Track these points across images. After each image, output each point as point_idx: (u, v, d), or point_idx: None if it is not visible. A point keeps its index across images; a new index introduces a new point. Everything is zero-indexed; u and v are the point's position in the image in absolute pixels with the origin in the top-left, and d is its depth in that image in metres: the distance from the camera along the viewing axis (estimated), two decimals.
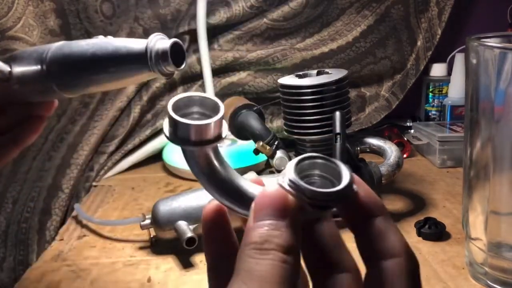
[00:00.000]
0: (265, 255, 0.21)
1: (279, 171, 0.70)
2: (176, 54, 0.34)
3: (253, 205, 0.23)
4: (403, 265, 0.23)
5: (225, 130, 0.26)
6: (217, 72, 0.97)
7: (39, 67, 0.38)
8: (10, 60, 0.40)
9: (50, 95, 0.41)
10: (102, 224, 0.69)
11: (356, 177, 0.25)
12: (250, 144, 0.75)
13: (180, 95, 0.26)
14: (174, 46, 0.34)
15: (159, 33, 0.34)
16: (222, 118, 0.26)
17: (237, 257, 0.22)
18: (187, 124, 0.24)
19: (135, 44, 0.34)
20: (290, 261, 0.22)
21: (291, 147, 0.74)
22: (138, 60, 0.34)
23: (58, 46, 0.38)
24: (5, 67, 0.40)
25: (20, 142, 0.45)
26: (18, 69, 0.40)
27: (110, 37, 0.37)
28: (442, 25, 1.01)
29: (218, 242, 0.28)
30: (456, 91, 1.01)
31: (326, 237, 0.26)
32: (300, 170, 0.24)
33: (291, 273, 0.21)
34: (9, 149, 0.45)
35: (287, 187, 0.23)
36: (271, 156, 0.71)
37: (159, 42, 0.34)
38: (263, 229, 0.22)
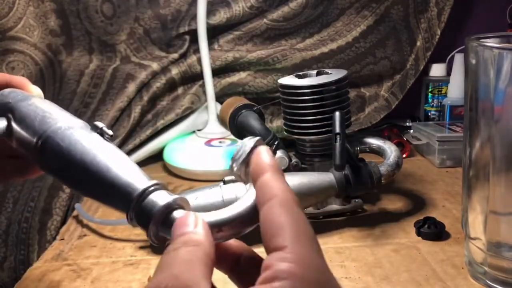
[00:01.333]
0: (178, 250, 0.26)
1: None
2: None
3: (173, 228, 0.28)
4: (279, 202, 0.27)
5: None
6: (217, 72, 0.97)
7: (34, 140, 0.35)
8: (12, 111, 0.37)
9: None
10: (102, 224, 0.70)
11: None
12: None
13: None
14: None
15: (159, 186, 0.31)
16: None
17: None
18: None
19: (134, 184, 0.31)
20: (200, 249, 0.26)
21: (291, 147, 0.75)
22: (123, 203, 0.31)
23: (61, 132, 0.34)
24: (2, 126, 0.37)
25: (23, 173, 0.45)
26: (16, 128, 0.36)
27: (118, 154, 0.33)
28: (441, 25, 1.01)
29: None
30: (455, 91, 1.02)
31: None
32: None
33: (202, 257, 0.26)
34: (11, 173, 0.46)
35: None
36: None
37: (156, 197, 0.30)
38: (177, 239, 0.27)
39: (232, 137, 0.82)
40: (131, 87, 0.90)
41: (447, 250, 0.59)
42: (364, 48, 1.00)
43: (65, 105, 0.87)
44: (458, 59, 1.01)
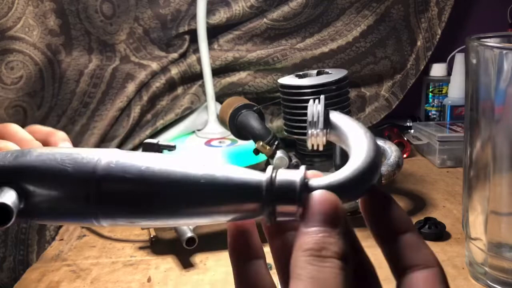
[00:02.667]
0: (325, 263, 0.22)
1: None
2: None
3: (308, 208, 0.24)
4: (439, 275, 0.24)
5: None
6: (217, 72, 0.97)
7: (81, 194, 0.26)
8: (16, 173, 0.27)
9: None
10: None
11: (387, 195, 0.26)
12: (250, 144, 0.75)
13: None
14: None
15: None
16: None
17: (292, 261, 0.22)
18: None
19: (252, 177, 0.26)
20: (347, 269, 0.22)
21: (291, 147, 0.74)
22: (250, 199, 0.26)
23: (116, 165, 0.26)
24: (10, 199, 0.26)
25: None
26: (37, 192, 0.27)
27: (198, 161, 0.27)
28: (442, 25, 1.01)
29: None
30: (456, 91, 1.01)
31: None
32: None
33: (349, 280, 0.22)
34: None
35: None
36: (271, 156, 0.71)
37: None
38: (318, 236, 0.23)
39: (232, 137, 0.82)
40: (131, 87, 0.90)
41: (447, 250, 0.59)
42: (365, 48, 1.00)
43: (65, 105, 0.87)
44: (459, 59, 1.00)
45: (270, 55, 0.95)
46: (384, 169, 0.65)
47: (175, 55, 0.95)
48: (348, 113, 0.71)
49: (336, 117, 0.32)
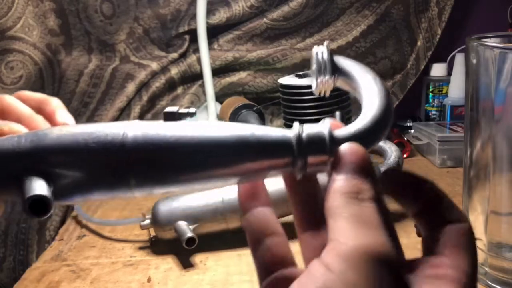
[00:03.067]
0: (364, 203, 0.23)
1: None
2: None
3: (342, 158, 0.25)
4: (471, 230, 0.26)
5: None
6: (217, 72, 0.97)
7: (112, 171, 0.26)
8: (40, 158, 0.26)
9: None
10: (102, 224, 0.69)
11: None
12: None
13: None
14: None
15: None
16: None
17: (329, 204, 0.24)
18: None
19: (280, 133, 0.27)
20: (383, 211, 0.24)
21: None
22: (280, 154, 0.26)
23: (148, 128, 0.27)
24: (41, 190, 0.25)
25: None
26: (65, 177, 0.26)
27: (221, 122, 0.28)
28: (442, 25, 1.01)
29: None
30: (456, 91, 1.01)
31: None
32: None
33: (388, 222, 0.24)
34: None
35: None
36: None
37: None
38: (353, 181, 0.24)
39: None
40: (131, 87, 0.90)
41: None
42: (365, 48, 1.00)
43: (64, 105, 0.87)
44: (459, 58, 1.00)
45: (270, 55, 0.95)
46: (384, 169, 0.65)
47: (175, 55, 0.95)
48: (349, 113, 0.71)
49: (341, 62, 0.33)
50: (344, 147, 0.25)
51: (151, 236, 0.63)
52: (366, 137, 0.26)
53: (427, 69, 1.07)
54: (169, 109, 0.30)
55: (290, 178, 0.29)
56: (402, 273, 0.23)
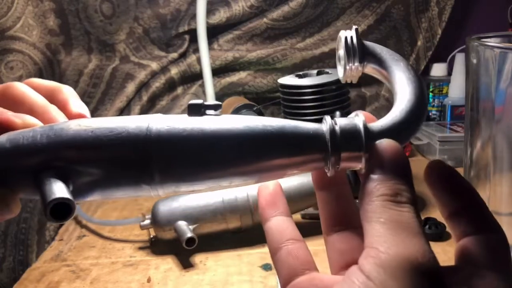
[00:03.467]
0: (402, 207, 0.22)
1: None
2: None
3: (379, 157, 0.24)
4: (508, 243, 0.25)
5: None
6: (217, 72, 0.97)
7: (135, 168, 0.25)
8: (55, 157, 0.25)
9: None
10: (101, 224, 0.69)
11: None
12: None
13: None
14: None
15: None
16: None
17: (364, 206, 0.23)
18: None
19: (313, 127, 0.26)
20: (419, 214, 0.23)
21: None
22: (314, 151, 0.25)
23: (172, 124, 0.25)
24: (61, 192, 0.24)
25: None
26: (85, 175, 0.25)
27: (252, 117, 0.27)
28: (442, 25, 1.01)
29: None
30: (456, 91, 1.01)
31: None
32: None
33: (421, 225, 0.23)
34: None
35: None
36: None
37: None
38: (391, 182, 0.23)
39: None
40: (130, 87, 0.90)
41: (448, 250, 0.59)
42: None
43: None
44: (459, 58, 1.00)
45: (270, 55, 0.95)
46: None
47: (175, 55, 0.95)
48: (348, 113, 0.71)
49: (372, 47, 0.30)
50: (381, 144, 0.24)
51: (151, 236, 0.63)
52: (401, 131, 0.25)
53: (427, 69, 1.07)
54: (193, 101, 0.27)
55: (319, 176, 0.28)
56: (444, 284, 0.22)
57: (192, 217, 0.59)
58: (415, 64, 1.03)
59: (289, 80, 0.71)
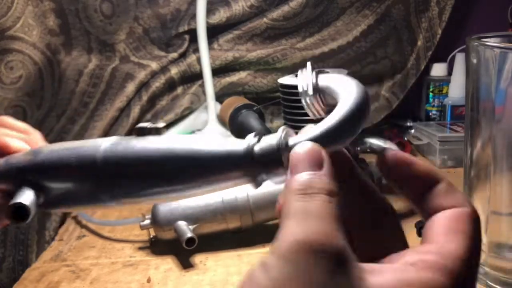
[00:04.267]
0: (314, 197, 0.23)
1: None
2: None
3: (290, 161, 0.25)
4: (469, 214, 0.25)
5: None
6: (217, 72, 0.97)
7: (90, 182, 0.30)
8: (39, 175, 0.31)
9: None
10: (101, 224, 0.69)
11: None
12: None
13: None
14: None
15: None
16: None
17: (282, 207, 0.23)
18: None
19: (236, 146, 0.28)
20: (335, 201, 0.23)
21: None
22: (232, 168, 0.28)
23: (117, 145, 0.30)
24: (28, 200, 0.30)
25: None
26: (52, 187, 0.31)
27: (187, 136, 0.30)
28: (442, 24, 1.01)
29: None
30: (456, 91, 1.01)
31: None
32: None
33: (339, 213, 0.22)
34: None
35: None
36: None
37: None
38: (302, 179, 0.23)
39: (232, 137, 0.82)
40: (130, 87, 0.90)
41: None
42: (365, 48, 1.00)
43: (64, 105, 0.87)
44: (459, 58, 1.00)
45: (270, 55, 0.95)
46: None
47: (175, 55, 0.95)
48: None
49: (325, 78, 0.32)
50: (294, 150, 0.25)
51: (151, 236, 0.63)
52: (326, 138, 0.26)
53: (428, 69, 1.07)
54: (140, 124, 0.33)
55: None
56: (349, 262, 0.21)
57: (192, 217, 0.59)
58: (415, 64, 1.03)
59: (289, 80, 0.71)
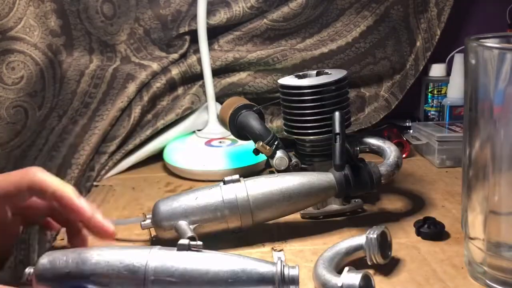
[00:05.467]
0: None
1: (278, 171, 0.70)
2: None
3: None
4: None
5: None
6: (217, 72, 0.97)
7: None
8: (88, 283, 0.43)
9: None
10: None
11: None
12: (250, 144, 0.76)
13: None
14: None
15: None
16: None
17: None
18: None
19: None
20: None
21: (291, 147, 0.75)
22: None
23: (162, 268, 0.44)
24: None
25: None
26: None
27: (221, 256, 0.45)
28: (441, 25, 1.01)
29: None
30: (455, 91, 1.02)
31: None
32: None
33: None
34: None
35: None
36: (271, 156, 0.71)
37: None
38: None
39: (232, 137, 0.83)
40: (131, 87, 0.91)
41: (446, 250, 0.60)
42: (364, 48, 1.00)
43: (65, 105, 0.87)
44: (458, 59, 1.01)
45: (270, 56, 0.95)
46: (383, 169, 0.65)
47: (175, 56, 0.95)
48: (348, 113, 0.71)
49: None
50: None
51: (152, 236, 0.64)
52: None
53: (426, 69, 1.07)
54: (181, 241, 0.45)
55: None
56: None
57: (193, 217, 0.60)
58: (414, 64, 1.04)
59: (289, 80, 0.72)
